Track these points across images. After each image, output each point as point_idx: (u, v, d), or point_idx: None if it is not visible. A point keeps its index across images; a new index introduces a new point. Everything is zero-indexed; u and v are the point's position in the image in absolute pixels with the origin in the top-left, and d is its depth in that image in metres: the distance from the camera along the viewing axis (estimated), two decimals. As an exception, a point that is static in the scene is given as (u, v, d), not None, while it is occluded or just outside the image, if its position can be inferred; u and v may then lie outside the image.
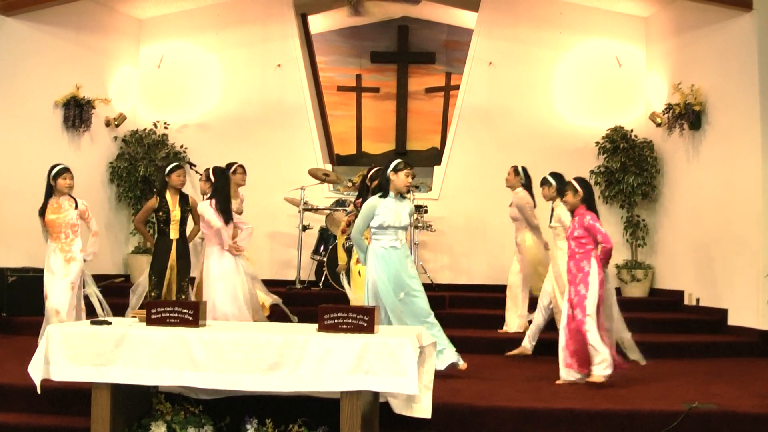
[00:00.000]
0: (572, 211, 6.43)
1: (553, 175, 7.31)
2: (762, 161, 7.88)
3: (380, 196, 6.12)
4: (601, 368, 5.95)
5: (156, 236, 7.41)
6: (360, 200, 7.09)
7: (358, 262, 6.87)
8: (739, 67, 8.25)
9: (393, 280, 6.01)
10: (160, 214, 7.13)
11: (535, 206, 7.88)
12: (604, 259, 6.20)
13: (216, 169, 7.00)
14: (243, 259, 6.95)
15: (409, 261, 6.21)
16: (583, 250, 6.23)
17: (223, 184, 6.91)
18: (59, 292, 6.76)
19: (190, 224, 7.39)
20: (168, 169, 7.35)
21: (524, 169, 8.01)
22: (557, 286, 7.05)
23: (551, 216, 7.34)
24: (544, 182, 7.37)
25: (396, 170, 6.12)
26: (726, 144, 8.54)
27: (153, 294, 6.99)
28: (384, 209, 6.06)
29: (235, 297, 6.68)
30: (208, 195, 6.91)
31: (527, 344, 7.16)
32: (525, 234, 7.90)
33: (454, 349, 6.22)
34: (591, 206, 6.32)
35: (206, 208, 6.76)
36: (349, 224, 7.20)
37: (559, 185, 7.03)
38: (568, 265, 6.34)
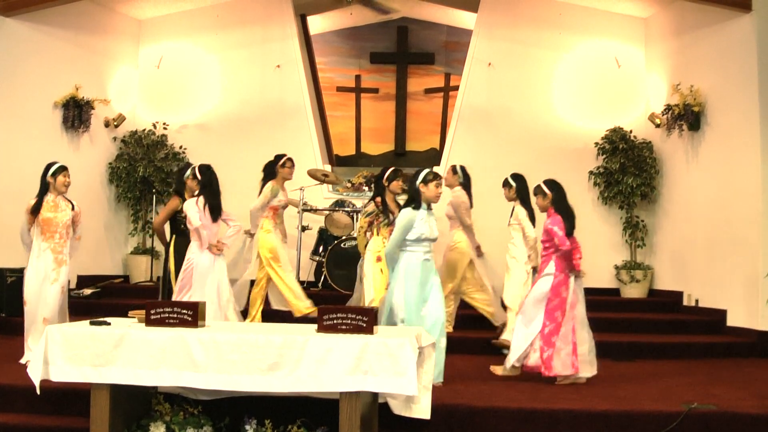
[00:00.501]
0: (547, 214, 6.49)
1: (514, 176, 7.43)
2: (761, 162, 7.88)
3: (413, 208, 5.97)
4: (510, 362, 6.18)
5: (174, 237, 7.44)
6: (379, 198, 7.08)
7: (379, 260, 6.88)
8: (739, 68, 8.25)
9: (420, 296, 5.85)
10: (184, 215, 7.15)
11: (471, 206, 8.01)
12: (566, 262, 6.25)
13: (202, 167, 7.02)
14: (222, 260, 6.93)
15: (433, 274, 6.06)
16: (546, 253, 6.35)
17: (209, 181, 6.92)
18: (49, 298, 6.57)
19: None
20: (188, 171, 7.40)
21: (462, 169, 8.09)
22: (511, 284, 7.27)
23: (511, 216, 7.43)
24: (505, 184, 7.46)
25: (425, 181, 6.03)
26: (725, 145, 8.54)
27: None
28: (420, 221, 5.95)
29: (203, 296, 6.63)
30: (196, 192, 6.96)
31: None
32: (457, 232, 8.01)
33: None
34: (560, 208, 6.34)
35: (190, 206, 6.79)
36: (370, 224, 7.20)
37: (520, 186, 7.25)
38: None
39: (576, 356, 6.08)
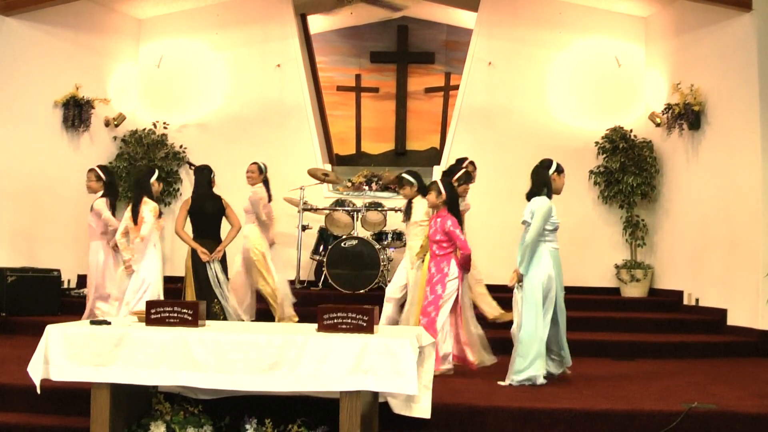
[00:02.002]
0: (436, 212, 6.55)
1: (412, 174, 7.37)
2: (761, 161, 7.88)
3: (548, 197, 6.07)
4: (444, 363, 6.22)
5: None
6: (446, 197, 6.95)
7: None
8: (739, 67, 8.25)
9: (559, 282, 6.00)
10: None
11: (270, 200, 8.22)
12: (465, 265, 6.39)
13: (102, 168, 7.63)
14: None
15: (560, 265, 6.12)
16: (443, 252, 6.40)
17: (111, 181, 7.61)
18: None
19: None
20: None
21: (265, 166, 8.30)
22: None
23: (406, 212, 7.39)
24: (406, 182, 7.32)
25: (559, 171, 6.14)
26: (725, 144, 8.54)
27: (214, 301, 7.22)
28: (554, 211, 6.04)
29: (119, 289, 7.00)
30: (102, 193, 7.53)
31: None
32: (251, 226, 8.05)
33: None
34: (452, 209, 6.42)
35: (102, 207, 7.41)
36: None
37: (420, 184, 7.23)
38: (428, 265, 6.48)
39: (463, 347, 6.33)
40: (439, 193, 6.42)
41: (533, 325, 5.84)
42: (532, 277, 5.92)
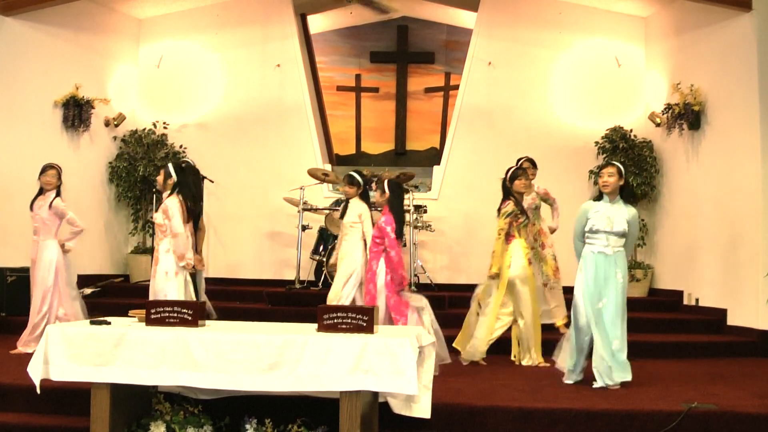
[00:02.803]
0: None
1: (360, 174, 7.33)
2: (761, 161, 7.88)
3: (594, 199, 6.11)
4: None
5: None
6: (512, 199, 7.03)
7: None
8: (739, 67, 8.25)
9: (594, 288, 5.93)
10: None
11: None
12: (394, 268, 6.43)
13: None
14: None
15: (616, 269, 5.98)
16: (376, 249, 6.50)
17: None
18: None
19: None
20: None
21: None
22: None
23: (342, 211, 7.47)
24: (354, 182, 7.25)
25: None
26: (725, 144, 8.54)
27: None
28: (594, 213, 6.00)
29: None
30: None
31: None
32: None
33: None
34: (394, 208, 6.52)
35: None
36: (510, 226, 7.00)
37: (363, 187, 7.26)
38: (370, 263, 6.60)
39: None
40: (383, 192, 6.57)
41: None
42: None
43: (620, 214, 5.96)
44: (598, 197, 6.06)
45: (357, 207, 7.18)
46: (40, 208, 7.33)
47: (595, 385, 5.91)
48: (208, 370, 4.40)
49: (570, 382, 6.05)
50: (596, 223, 5.95)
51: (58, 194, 7.39)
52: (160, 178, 7.04)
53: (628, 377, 5.92)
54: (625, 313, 6.02)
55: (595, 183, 10.03)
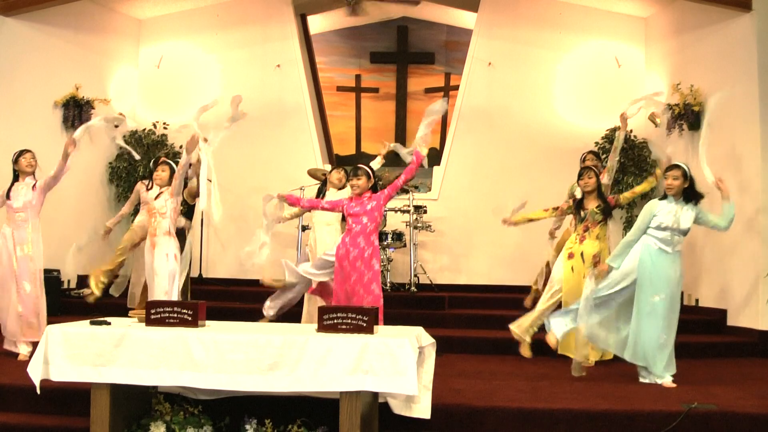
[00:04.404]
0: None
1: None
2: (761, 161, 7.88)
3: (660, 198, 6.29)
4: None
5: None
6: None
7: (571, 256, 6.94)
8: (739, 67, 8.25)
9: (622, 277, 6.14)
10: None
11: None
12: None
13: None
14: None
15: (674, 267, 6.17)
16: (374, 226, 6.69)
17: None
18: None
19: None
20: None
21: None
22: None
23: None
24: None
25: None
26: (725, 144, 8.53)
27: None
28: (661, 211, 6.19)
29: None
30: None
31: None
32: None
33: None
34: (376, 190, 6.80)
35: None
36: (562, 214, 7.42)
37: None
38: (354, 241, 6.55)
39: None
40: (369, 178, 6.85)
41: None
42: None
43: (683, 213, 6.18)
44: (663, 197, 6.25)
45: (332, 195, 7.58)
46: (20, 194, 7.04)
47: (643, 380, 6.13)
48: (208, 371, 4.40)
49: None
50: (663, 220, 6.13)
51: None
52: (165, 175, 7.03)
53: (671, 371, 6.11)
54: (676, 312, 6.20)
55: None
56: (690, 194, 6.24)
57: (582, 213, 6.94)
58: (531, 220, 7.24)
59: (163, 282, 6.62)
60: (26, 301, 6.83)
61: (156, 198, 6.88)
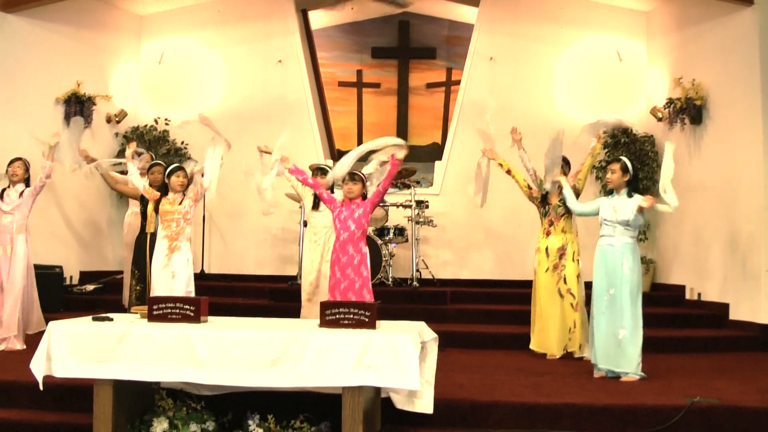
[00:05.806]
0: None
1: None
2: (763, 155, 7.87)
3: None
4: None
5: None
6: None
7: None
8: (741, 61, 8.23)
9: (602, 279, 6.15)
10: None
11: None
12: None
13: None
14: None
15: (623, 259, 6.12)
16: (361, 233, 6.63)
17: None
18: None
19: None
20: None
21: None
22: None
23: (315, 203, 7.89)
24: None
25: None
26: (727, 138, 8.53)
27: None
28: (602, 205, 6.29)
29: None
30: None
31: None
32: None
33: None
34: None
35: None
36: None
37: None
38: (342, 248, 6.56)
39: None
40: (363, 184, 6.85)
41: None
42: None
43: (621, 204, 6.17)
44: (609, 192, 6.28)
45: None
46: (9, 199, 7.28)
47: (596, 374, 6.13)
48: (211, 366, 4.40)
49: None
50: (603, 213, 6.20)
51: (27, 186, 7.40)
52: (183, 180, 7.05)
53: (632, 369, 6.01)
54: (637, 306, 6.10)
55: (597, 178, 10.04)
56: (634, 187, 6.28)
57: (545, 207, 7.18)
58: (509, 172, 7.50)
59: (181, 285, 6.64)
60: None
61: (180, 203, 6.89)
